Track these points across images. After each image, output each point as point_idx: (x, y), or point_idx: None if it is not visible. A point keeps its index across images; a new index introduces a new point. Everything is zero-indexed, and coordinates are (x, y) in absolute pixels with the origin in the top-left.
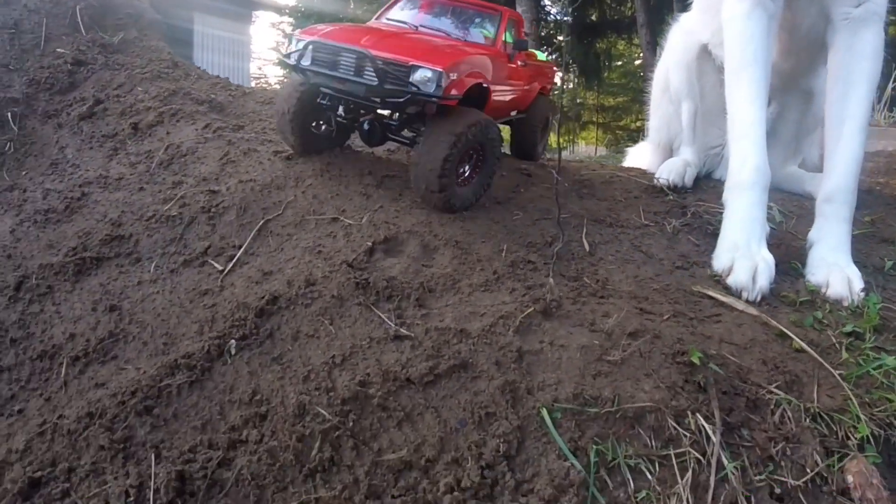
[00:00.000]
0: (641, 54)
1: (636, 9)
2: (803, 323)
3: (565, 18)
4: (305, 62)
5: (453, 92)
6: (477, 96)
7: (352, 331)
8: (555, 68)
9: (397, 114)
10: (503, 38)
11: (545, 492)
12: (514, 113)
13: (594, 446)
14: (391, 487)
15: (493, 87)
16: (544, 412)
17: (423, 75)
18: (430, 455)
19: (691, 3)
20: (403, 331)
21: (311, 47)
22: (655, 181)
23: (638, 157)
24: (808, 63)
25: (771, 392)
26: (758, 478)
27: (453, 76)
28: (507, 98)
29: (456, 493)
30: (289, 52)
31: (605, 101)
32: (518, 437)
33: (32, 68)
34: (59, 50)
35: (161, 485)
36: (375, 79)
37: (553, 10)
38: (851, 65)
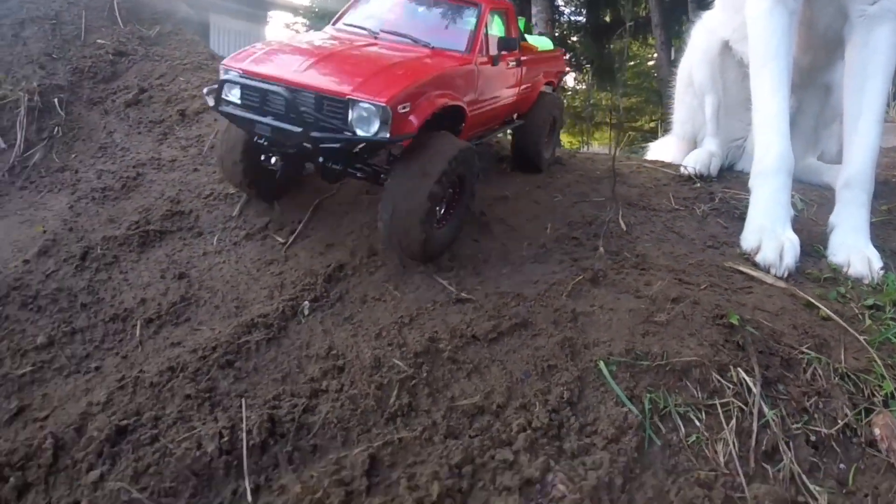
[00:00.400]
0: (655, 55)
1: (650, 9)
2: (828, 297)
3: (579, 19)
4: (231, 98)
5: (407, 127)
6: (451, 115)
7: (416, 295)
8: (564, 55)
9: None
10: (483, 37)
11: (608, 432)
12: (515, 116)
13: (648, 395)
14: (467, 429)
15: (470, 104)
16: (602, 364)
17: (362, 112)
18: (500, 401)
19: (712, 1)
20: (465, 294)
21: (229, 85)
22: (682, 170)
23: (660, 151)
24: (825, 58)
25: (802, 352)
26: (794, 426)
27: (404, 108)
28: (496, 107)
29: (528, 432)
30: (209, 88)
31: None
32: (579, 387)
33: (75, 57)
34: (99, 41)
35: (253, 426)
36: (299, 124)
37: (566, 11)
38: (867, 59)
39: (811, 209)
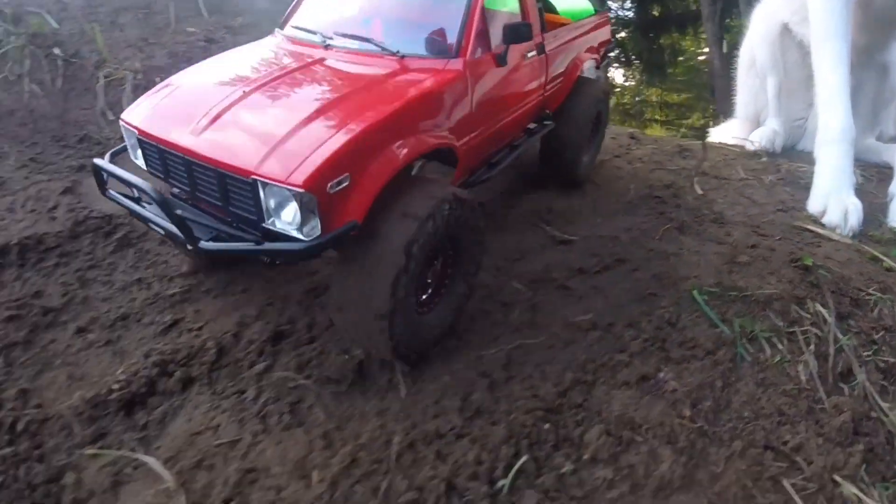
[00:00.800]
0: (707, 49)
1: (700, 2)
2: (890, 253)
3: (627, 14)
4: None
5: (349, 212)
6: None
7: (522, 238)
8: (608, 20)
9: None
10: (479, 29)
11: (705, 346)
12: (546, 120)
13: (737, 320)
14: (583, 339)
15: (463, 135)
16: (695, 293)
17: (276, 198)
18: (609, 320)
19: None
20: (567, 236)
21: (132, 146)
22: (748, 145)
23: (722, 135)
24: (882, 38)
25: (869, 294)
26: (865, 354)
27: (339, 184)
28: (508, 121)
29: (638, 341)
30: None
31: (668, 98)
32: (676, 311)
33: (170, 43)
34: (189, 29)
35: None
36: (187, 233)
37: (615, 6)
38: None
39: (871, 184)
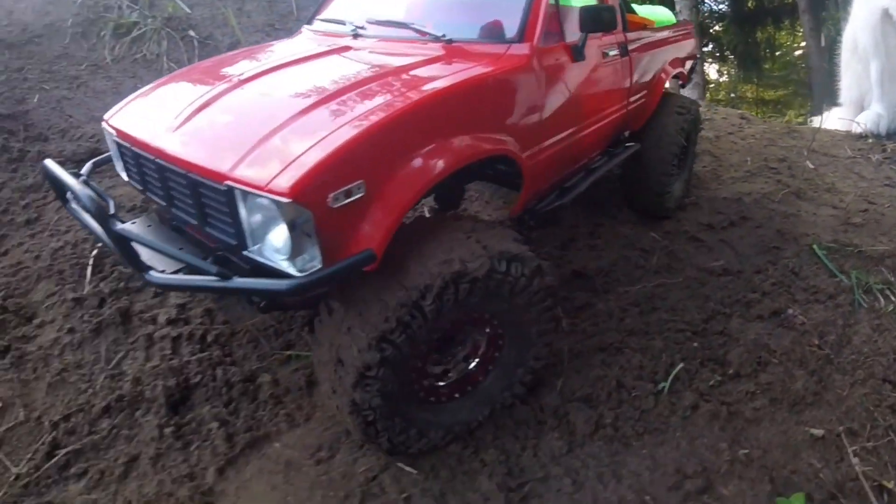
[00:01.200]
0: (804, 43)
1: None
2: None
3: (722, 7)
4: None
5: (362, 239)
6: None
7: None
8: (692, 32)
9: None
10: (549, 11)
11: (826, 292)
12: (626, 134)
13: (853, 272)
14: (716, 281)
15: (528, 143)
16: (815, 247)
17: (259, 212)
18: (738, 267)
19: None
20: (689, 200)
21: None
22: (854, 127)
23: (827, 121)
24: None
25: None
26: None
27: (347, 196)
28: (587, 134)
29: (767, 283)
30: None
31: (764, 94)
32: (798, 263)
33: (294, 29)
34: None
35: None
36: (132, 260)
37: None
38: None
39: None
